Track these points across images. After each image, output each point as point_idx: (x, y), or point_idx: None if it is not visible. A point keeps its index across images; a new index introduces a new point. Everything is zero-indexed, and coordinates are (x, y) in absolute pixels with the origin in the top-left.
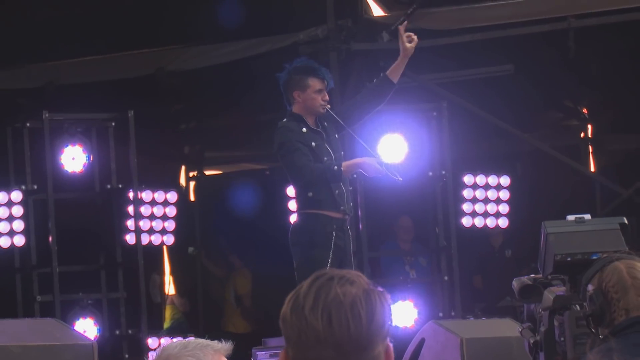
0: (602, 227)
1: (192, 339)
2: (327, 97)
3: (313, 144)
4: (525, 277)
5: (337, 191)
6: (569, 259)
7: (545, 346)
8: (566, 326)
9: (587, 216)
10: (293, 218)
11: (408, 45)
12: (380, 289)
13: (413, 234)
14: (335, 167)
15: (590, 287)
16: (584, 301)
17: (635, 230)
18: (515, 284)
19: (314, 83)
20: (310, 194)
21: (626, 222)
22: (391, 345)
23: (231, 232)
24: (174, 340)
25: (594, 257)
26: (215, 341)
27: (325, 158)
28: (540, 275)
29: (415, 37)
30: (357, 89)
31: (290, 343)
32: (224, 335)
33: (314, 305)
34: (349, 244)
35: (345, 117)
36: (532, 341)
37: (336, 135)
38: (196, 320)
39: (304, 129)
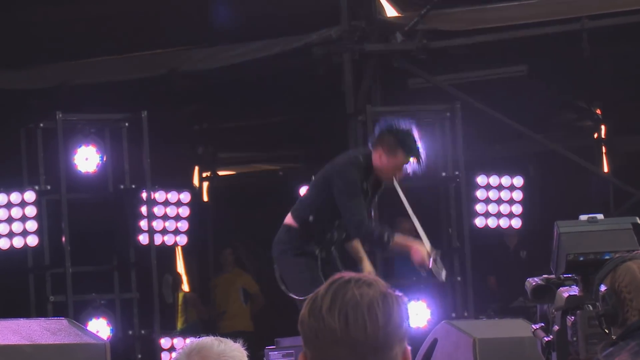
0: (614, 226)
1: (210, 337)
2: (402, 175)
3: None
4: (538, 277)
5: (328, 235)
6: (581, 258)
7: (558, 346)
8: (578, 326)
9: (600, 216)
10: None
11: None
12: (397, 292)
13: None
14: (386, 238)
15: (602, 287)
16: (597, 301)
17: None
18: (527, 284)
19: (402, 158)
20: (311, 218)
21: (639, 221)
22: (409, 348)
23: (244, 232)
24: (192, 340)
25: (607, 257)
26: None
27: None
28: (553, 276)
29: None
30: (370, 89)
31: (308, 344)
32: (235, 335)
33: (331, 306)
34: (334, 259)
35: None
36: (545, 341)
37: (375, 198)
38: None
39: (365, 185)
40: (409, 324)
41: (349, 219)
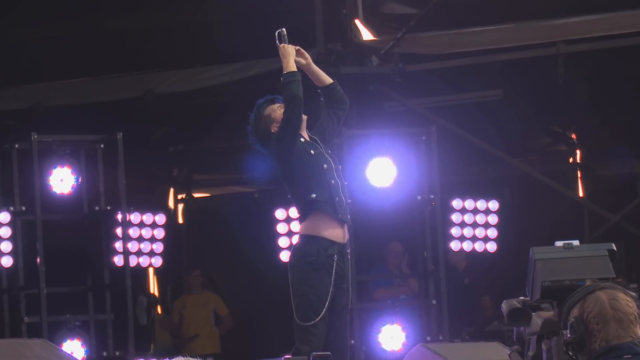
0: (590, 253)
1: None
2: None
3: (312, 151)
4: (515, 299)
5: (337, 198)
6: (556, 285)
7: None
8: (554, 352)
9: (576, 242)
10: (282, 241)
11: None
12: None
13: (404, 259)
14: (281, 78)
15: (572, 315)
16: (565, 329)
17: (623, 255)
18: (504, 306)
19: (270, 108)
20: (313, 195)
21: (614, 248)
22: None
23: (218, 253)
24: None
25: (581, 284)
26: None
27: (325, 165)
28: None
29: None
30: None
31: None
32: (205, 357)
33: None
34: (347, 269)
35: (326, 137)
36: None
37: (329, 151)
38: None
39: (302, 139)
40: None
41: (290, 110)
